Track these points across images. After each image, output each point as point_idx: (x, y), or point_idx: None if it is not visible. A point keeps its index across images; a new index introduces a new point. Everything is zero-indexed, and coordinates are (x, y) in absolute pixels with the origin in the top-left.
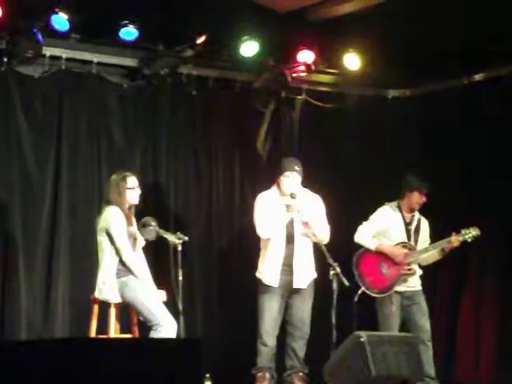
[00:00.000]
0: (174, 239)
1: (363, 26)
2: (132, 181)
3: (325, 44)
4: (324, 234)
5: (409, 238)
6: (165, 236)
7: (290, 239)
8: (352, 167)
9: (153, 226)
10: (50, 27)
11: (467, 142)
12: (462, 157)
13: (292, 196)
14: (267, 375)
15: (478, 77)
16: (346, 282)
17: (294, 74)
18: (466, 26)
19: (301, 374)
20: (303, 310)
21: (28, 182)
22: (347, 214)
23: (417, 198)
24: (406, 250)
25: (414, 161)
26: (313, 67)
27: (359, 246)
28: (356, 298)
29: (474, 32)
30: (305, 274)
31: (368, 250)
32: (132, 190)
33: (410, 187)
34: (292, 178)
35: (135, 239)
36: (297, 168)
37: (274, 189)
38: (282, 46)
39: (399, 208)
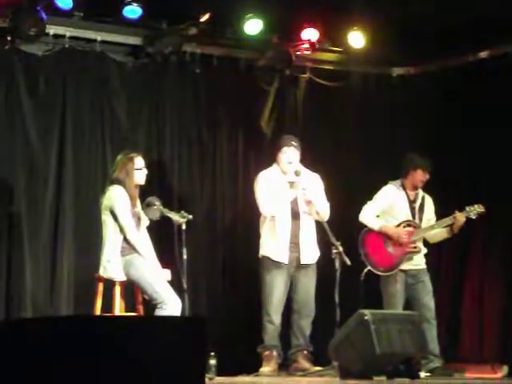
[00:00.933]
0: (178, 218)
1: (368, 4)
2: (139, 161)
3: (329, 22)
4: (325, 212)
5: (413, 215)
6: (169, 215)
7: (295, 216)
8: (356, 145)
9: (157, 206)
10: (54, 5)
11: (473, 119)
12: (467, 134)
13: (296, 174)
14: (274, 353)
15: (483, 54)
16: (348, 261)
17: (298, 52)
18: (471, 2)
19: (306, 352)
20: (309, 286)
21: (32, 160)
22: (351, 192)
23: (420, 176)
24: (410, 229)
25: (418, 138)
26: (317, 45)
27: (364, 226)
28: (362, 277)
29: (478, 8)
30: (311, 250)
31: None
32: (140, 170)
33: (413, 165)
34: (290, 153)
35: (139, 219)
36: (294, 143)
37: (274, 167)
38: (286, 23)
39: (403, 186)
